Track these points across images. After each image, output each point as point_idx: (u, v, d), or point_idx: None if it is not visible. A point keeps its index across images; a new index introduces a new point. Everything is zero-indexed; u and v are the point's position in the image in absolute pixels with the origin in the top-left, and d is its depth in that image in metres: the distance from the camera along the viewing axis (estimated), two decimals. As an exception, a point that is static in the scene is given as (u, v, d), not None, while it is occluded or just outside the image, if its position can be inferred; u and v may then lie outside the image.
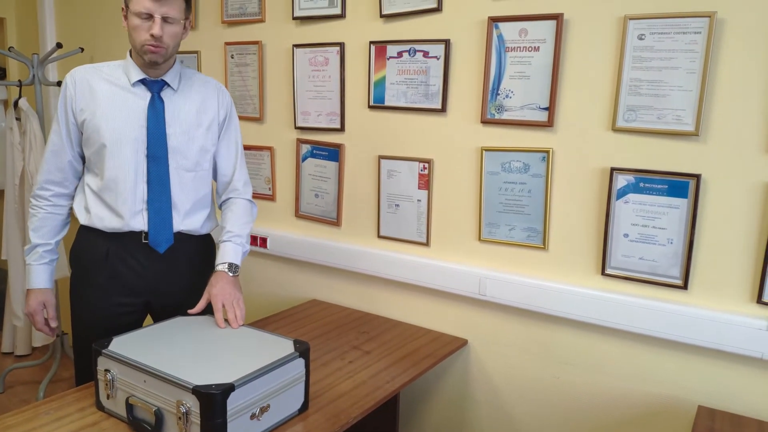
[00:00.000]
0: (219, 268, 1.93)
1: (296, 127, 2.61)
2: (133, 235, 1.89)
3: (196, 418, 1.39)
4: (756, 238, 1.75)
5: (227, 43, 2.75)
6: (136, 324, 1.99)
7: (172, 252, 1.94)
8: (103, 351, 1.56)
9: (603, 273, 1.98)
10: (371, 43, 2.34)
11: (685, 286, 1.85)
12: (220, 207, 2.10)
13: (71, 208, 1.97)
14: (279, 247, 2.73)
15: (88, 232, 1.92)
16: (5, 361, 3.67)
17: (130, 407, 1.52)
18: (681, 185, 1.82)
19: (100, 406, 1.60)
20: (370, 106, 2.39)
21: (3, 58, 3.93)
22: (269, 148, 2.71)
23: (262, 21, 2.63)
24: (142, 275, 1.93)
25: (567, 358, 2.09)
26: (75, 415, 1.57)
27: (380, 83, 2.34)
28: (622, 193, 1.91)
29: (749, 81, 1.70)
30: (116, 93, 1.86)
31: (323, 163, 2.57)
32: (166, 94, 1.90)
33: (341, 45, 2.42)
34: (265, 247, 2.76)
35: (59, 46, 3.21)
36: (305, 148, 2.61)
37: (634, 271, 1.93)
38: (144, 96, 1.87)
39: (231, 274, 1.92)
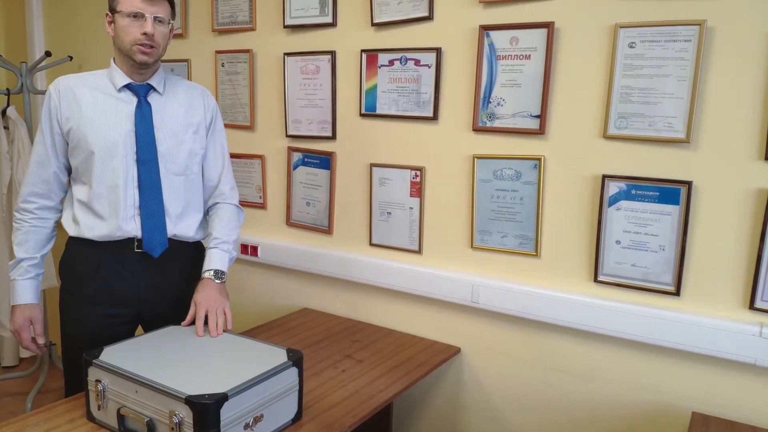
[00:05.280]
0: (205, 275, 1.92)
1: (287, 135, 2.60)
2: (124, 243, 1.87)
3: (189, 429, 1.38)
4: (747, 244, 1.76)
5: (218, 52, 2.75)
6: (128, 335, 1.96)
7: (164, 259, 1.92)
8: (94, 361, 1.54)
9: (595, 280, 1.99)
10: (363, 51, 2.34)
11: (677, 293, 1.86)
12: (206, 212, 2.08)
13: (57, 222, 1.94)
14: (270, 256, 2.72)
15: (77, 243, 1.90)
16: (-8, 373, 3.63)
17: (121, 418, 1.50)
18: (673, 192, 1.82)
19: (90, 417, 1.58)
20: (361, 114, 2.39)
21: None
22: (260, 157, 2.70)
23: (252, 29, 2.63)
24: (133, 285, 1.91)
25: (560, 365, 2.09)
26: (65, 426, 1.55)
27: (372, 91, 2.34)
28: (613, 200, 1.92)
29: (739, 88, 1.72)
30: (101, 99, 1.85)
31: (315, 171, 2.56)
32: (152, 98, 1.89)
33: (332, 53, 2.42)
34: (256, 255, 2.74)
35: (48, 54, 3.19)
36: (296, 156, 2.60)
37: (627, 278, 1.93)
38: (130, 101, 1.86)
39: (217, 281, 1.91)
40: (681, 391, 1.90)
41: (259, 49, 2.63)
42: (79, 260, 1.91)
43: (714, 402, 1.85)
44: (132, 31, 1.78)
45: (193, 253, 2.03)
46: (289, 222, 2.68)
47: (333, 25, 2.41)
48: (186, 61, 2.87)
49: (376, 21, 2.29)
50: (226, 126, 2.75)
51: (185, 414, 1.38)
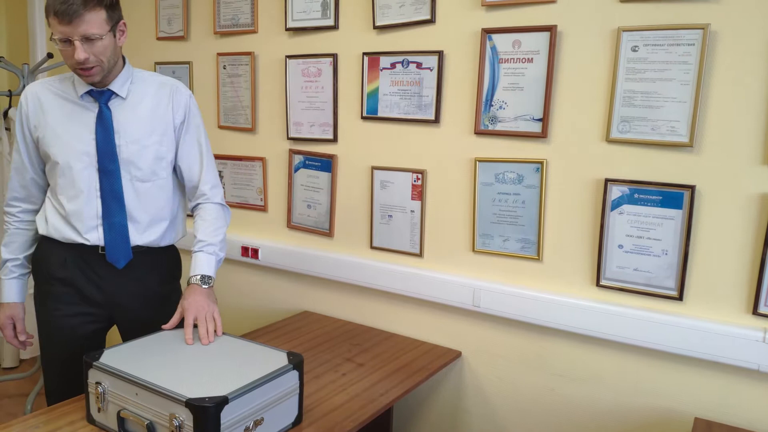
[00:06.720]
0: (192, 280, 1.86)
1: (289, 138, 2.60)
2: (90, 249, 1.84)
3: (189, 432, 1.37)
4: (751, 249, 1.75)
5: (219, 54, 2.75)
6: (100, 333, 1.95)
7: (131, 266, 1.88)
8: (95, 363, 1.54)
9: (598, 284, 1.98)
10: (364, 54, 2.34)
11: (680, 298, 1.85)
12: (191, 212, 2.03)
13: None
14: (270, 258, 2.71)
15: (46, 242, 1.88)
16: (-9, 374, 3.62)
17: (121, 421, 1.49)
18: (675, 196, 1.82)
19: (90, 420, 1.57)
20: (363, 117, 2.39)
21: (-8, 68, 3.90)
22: (261, 159, 2.70)
23: (254, 32, 2.63)
24: (101, 287, 1.88)
25: (562, 370, 2.08)
26: (65, 429, 1.54)
27: (373, 94, 2.34)
28: (616, 204, 1.91)
29: (743, 92, 1.71)
30: (65, 107, 1.81)
31: (316, 174, 2.56)
32: (114, 104, 1.82)
33: (334, 56, 2.42)
34: (257, 258, 2.74)
35: (50, 56, 3.19)
36: (298, 159, 2.60)
37: (629, 283, 1.93)
38: (93, 108, 1.80)
39: (204, 287, 1.86)
40: (683, 396, 1.89)
41: (260, 51, 2.63)
42: (47, 258, 1.89)
43: (717, 408, 1.84)
44: (67, 57, 1.69)
45: (162, 257, 1.98)
46: (290, 224, 2.68)
47: (335, 27, 2.41)
48: (188, 63, 2.86)
49: (377, 24, 2.29)
50: (228, 128, 2.77)
51: (185, 417, 1.37)
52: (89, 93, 1.80)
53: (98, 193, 1.81)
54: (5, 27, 3.73)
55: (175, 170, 1.97)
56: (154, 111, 1.88)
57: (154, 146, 1.87)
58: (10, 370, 3.70)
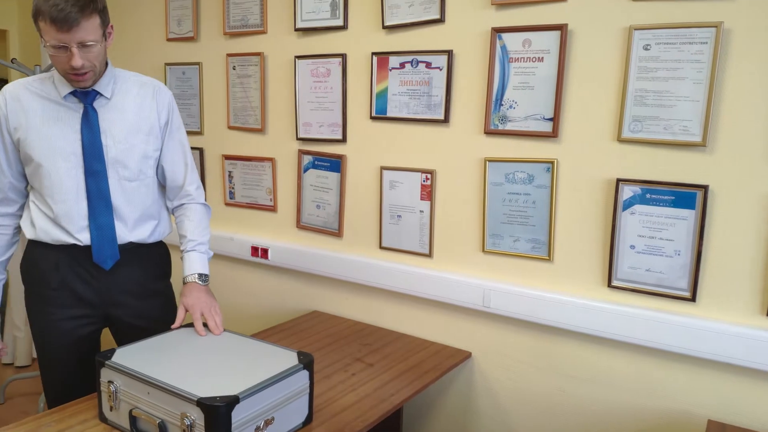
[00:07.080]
0: (189, 279, 1.91)
1: (298, 138, 2.60)
2: (81, 249, 1.83)
3: (200, 431, 1.37)
4: (765, 250, 1.73)
5: (229, 55, 2.75)
6: (95, 335, 1.94)
7: (123, 263, 1.88)
8: (107, 362, 1.54)
9: (609, 285, 1.97)
10: (373, 54, 2.33)
11: (693, 299, 1.84)
12: (172, 213, 2.04)
13: (17, 227, 1.92)
14: (280, 258, 2.71)
15: (35, 246, 1.87)
16: (5, 372, 3.64)
17: (133, 419, 1.50)
18: (688, 196, 1.81)
19: (102, 418, 1.58)
20: (372, 117, 2.38)
21: (5, 69, 3.93)
22: (271, 159, 2.70)
23: (263, 32, 2.63)
24: (94, 287, 1.87)
25: (572, 371, 2.07)
26: (77, 427, 1.55)
27: (382, 94, 2.34)
28: (628, 204, 1.90)
29: (756, 91, 1.70)
30: (48, 108, 1.78)
31: (325, 174, 2.56)
32: (99, 104, 1.82)
33: (343, 56, 2.42)
34: (266, 258, 2.74)
35: (60, 57, 3.20)
36: (307, 159, 2.60)
37: (641, 283, 1.91)
38: (77, 108, 1.79)
39: (202, 284, 1.91)
40: (696, 398, 1.87)
41: (270, 52, 2.64)
42: (38, 262, 1.88)
43: (730, 410, 1.82)
44: (60, 62, 1.68)
45: (153, 253, 1.99)
46: (300, 225, 2.68)
47: (344, 27, 2.41)
48: (197, 64, 2.87)
49: (387, 24, 2.28)
50: (237, 129, 2.78)
51: (197, 416, 1.37)
52: (73, 93, 1.79)
53: (84, 195, 1.81)
54: (17, 29, 3.76)
55: (156, 170, 1.97)
56: (138, 110, 1.88)
57: (141, 145, 1.88)
58: (23, 368, 3.72)
